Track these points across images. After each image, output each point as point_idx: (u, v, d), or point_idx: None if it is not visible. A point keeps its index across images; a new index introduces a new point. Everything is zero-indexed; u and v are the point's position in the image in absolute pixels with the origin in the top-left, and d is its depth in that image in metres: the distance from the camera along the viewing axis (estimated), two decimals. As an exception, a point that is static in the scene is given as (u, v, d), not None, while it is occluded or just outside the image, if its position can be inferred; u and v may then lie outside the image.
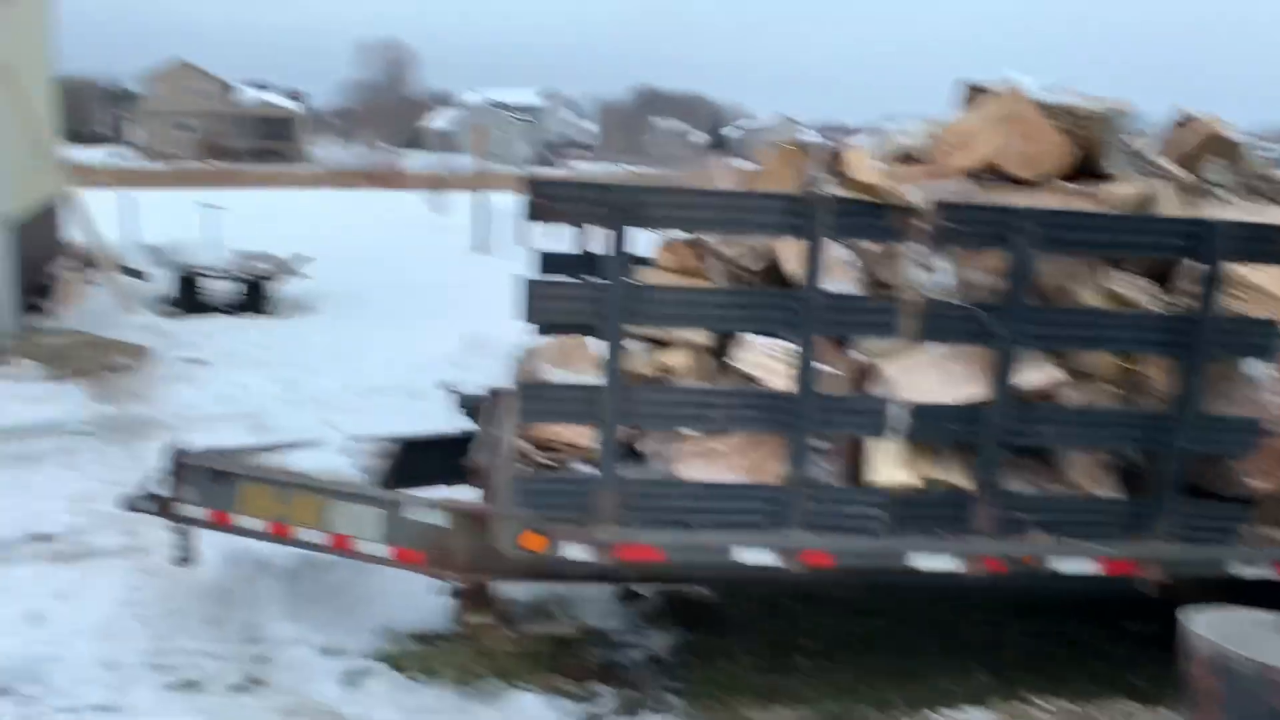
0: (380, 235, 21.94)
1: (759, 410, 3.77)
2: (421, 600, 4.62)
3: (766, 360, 3.93)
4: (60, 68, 13.87)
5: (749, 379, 4.01)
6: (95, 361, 8.82)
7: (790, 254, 4.07)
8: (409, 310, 12.22)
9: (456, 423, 5.72)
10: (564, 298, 3.75)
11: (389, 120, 75.67)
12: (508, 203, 20.98)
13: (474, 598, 4.42)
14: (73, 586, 4.78)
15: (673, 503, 3.76)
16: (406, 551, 4.29)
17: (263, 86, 78.38)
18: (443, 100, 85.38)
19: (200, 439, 6.88)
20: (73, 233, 13.55)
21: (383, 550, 4.32)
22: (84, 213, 10.91)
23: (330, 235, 20.77)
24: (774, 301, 3.73)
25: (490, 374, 8.63)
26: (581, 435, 4.31)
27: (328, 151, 67.50)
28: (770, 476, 3.89)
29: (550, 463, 4.24)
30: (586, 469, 4.10)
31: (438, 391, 8.35)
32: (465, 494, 5.32)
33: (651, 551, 3.74)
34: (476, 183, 20.68)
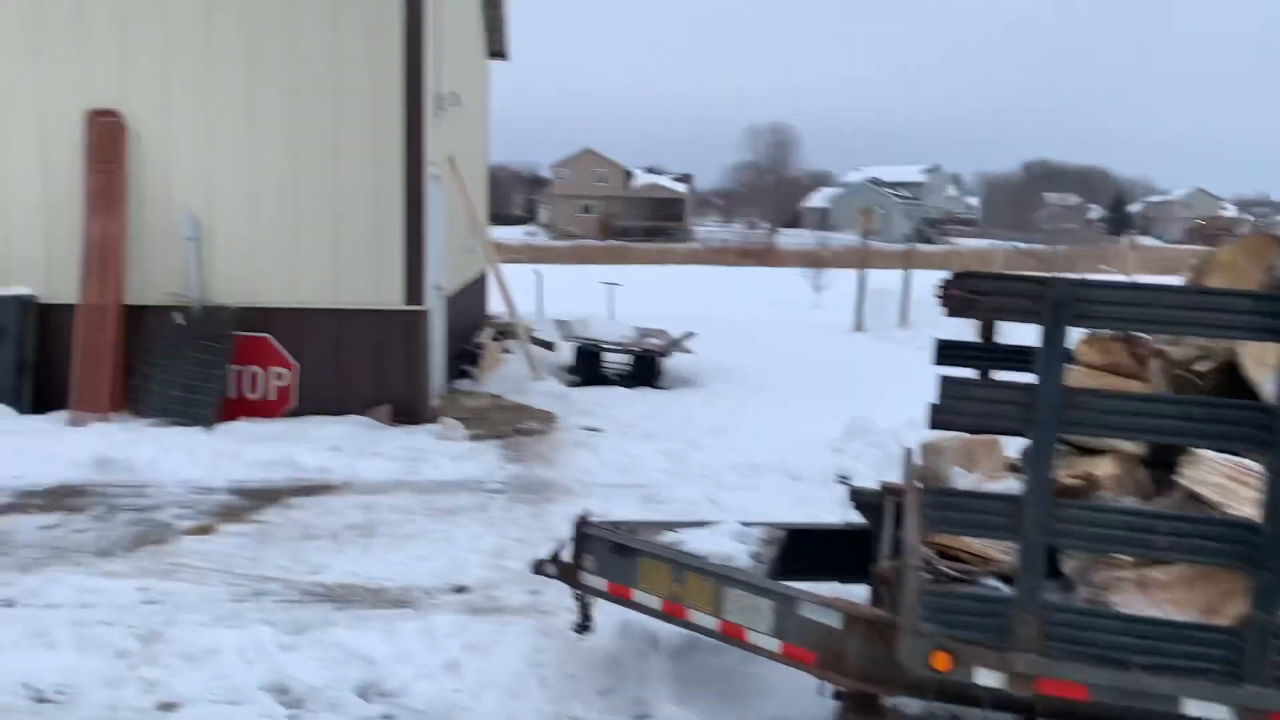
0: (759, 312, 22.42)
1: (1216, 539, 3.24)
2: (805, 699, 4.43)
3: (1226, 481, 3.39)
4: (490, 157, 15.66)
5: (1200, 500, 3.49)
6: (508, 424, 9.66)
7: (1258, 359, 3.52)
8: (788, 388, 12.27)
9: (843, 514, 5.54)
10: (986, 399, 3.46)
11: (770, 200, 77.94)
12: (887, 282, 20.75)
13: (862, 706, 4.17)
14: (483, 640, 5.11)
15: (1106, 637, 3.32)
16: (796, 649, 4.14)
17: (656, 171, 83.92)
18: (822, 180, 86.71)
19: (597, 505, 7.26)
20: (493, 304, 15.08)
21: (772, 644, 4.20)
22: (504, 286, 12.09)
23: (711, 310, 21.55)
24: (1244, 415, 3.21)
25: (874, 462, 8.39)
26: (992, 547, 3.98)
27: (709, 230, 70.63)
28: (1226, 618, 3.33)
29: (956, 573, 3.93)
30: (998, 585, 3.76)
31: (819, 475, 8.24)
32: (843, 589, 5.12)
33: (1078, 689, 3.32)
34: (856, 261, 20.57)
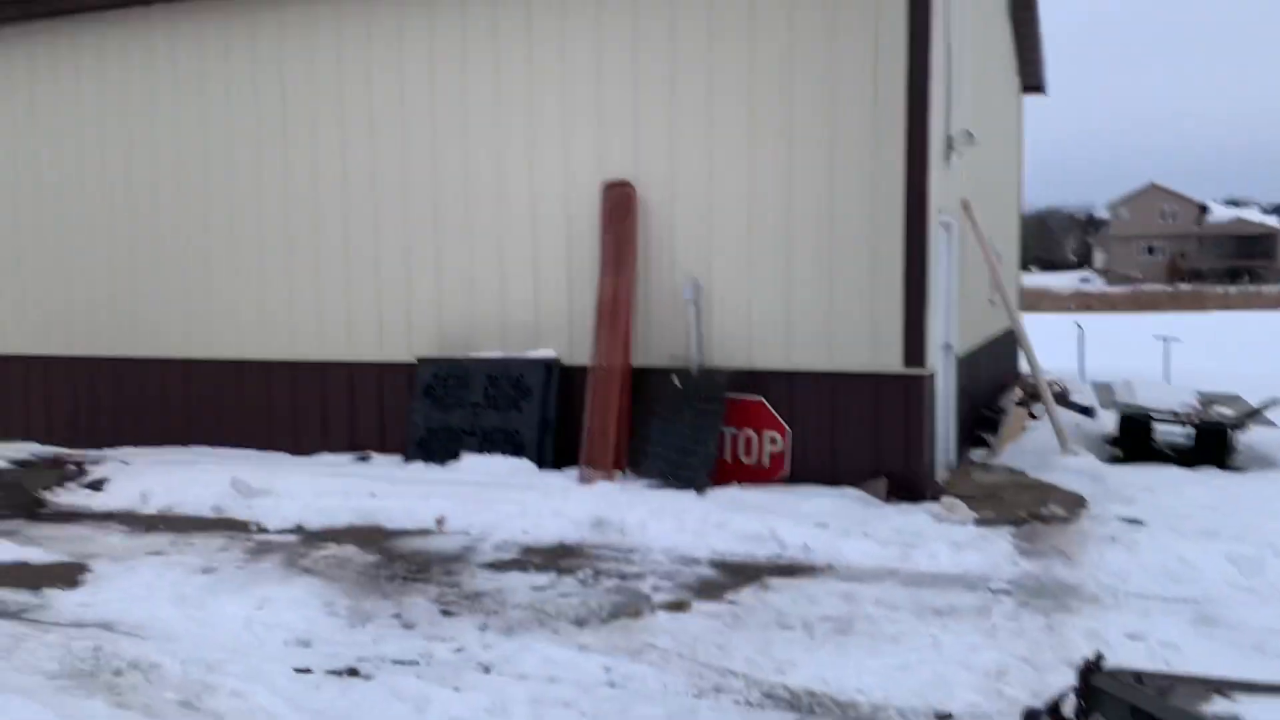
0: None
1: None
2: None
3: None
4: (1032, 200, 14.25)
5: None
6: (1025, 508, 8.30)
7: None
8: None
9: None
10: None
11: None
12: None
13: None
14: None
15: None
16: None
17: (1238, 203, 74.05)
18: None
19: (1131, 622, 5.81)
20: (1022, 364, 13.57)
21: None
22: (1025, 343, 10.66)
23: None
24: None
25: None
26: None
27: (1312, 268, 59.75)
28: None
29: None
30: None
31: None
32: None
33: None
34: None
